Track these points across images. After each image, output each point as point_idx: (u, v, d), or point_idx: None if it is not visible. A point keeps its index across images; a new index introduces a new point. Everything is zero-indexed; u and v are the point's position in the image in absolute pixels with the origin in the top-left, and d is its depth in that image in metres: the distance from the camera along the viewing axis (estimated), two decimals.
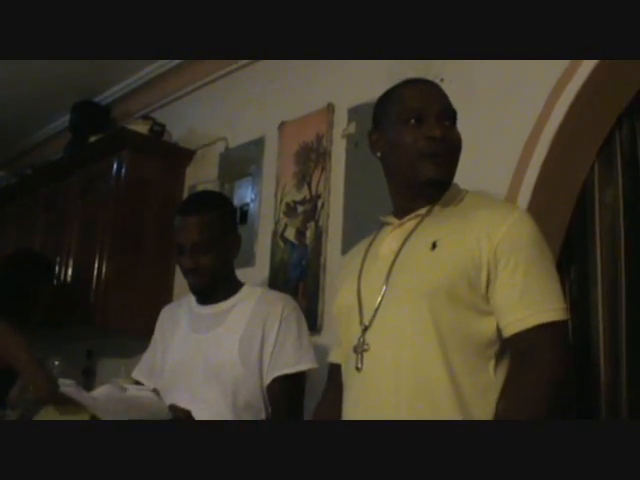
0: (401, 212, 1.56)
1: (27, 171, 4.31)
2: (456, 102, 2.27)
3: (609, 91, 2.07)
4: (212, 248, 2.04)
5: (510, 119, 2.18)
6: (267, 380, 1.99)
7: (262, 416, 2.00)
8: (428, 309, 1.39)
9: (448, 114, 1.53)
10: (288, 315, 2.05)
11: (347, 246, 2.57)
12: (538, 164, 2.08)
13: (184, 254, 2.05)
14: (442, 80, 2.37)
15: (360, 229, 2.48)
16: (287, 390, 1.99)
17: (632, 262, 2.07)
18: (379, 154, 1.58)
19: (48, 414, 1.71)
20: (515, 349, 1.38)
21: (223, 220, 2.11)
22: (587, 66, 2.01)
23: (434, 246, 1.43)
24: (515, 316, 1.37)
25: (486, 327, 1.39)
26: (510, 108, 2.19)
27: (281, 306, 2.06)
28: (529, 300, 1.37)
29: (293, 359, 2.01)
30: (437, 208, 1.51)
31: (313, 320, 2.56)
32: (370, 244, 1.61)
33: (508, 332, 1.38)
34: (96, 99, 4.01)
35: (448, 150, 1.50)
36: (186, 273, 2.07)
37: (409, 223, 1.52)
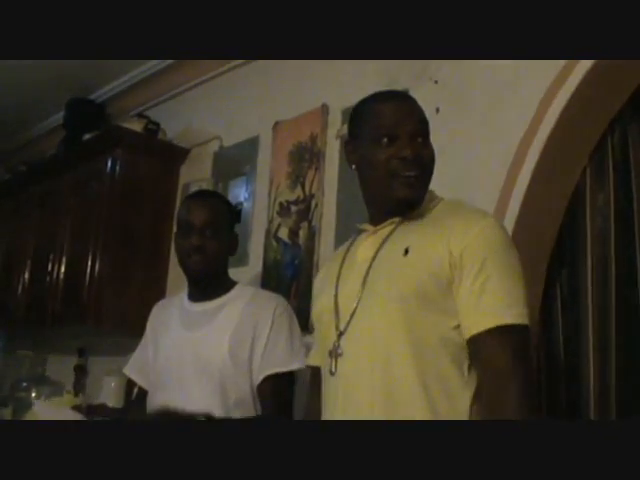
0: (376, 220, 1.58)
1: (21, 168, 4.31)
2: (449, 104, 2.31)
3: (601, 95, 2.08)
4: (220, 233, 2.09)
5: (503, 122, 2.19)
6: (258, 379, 2.00)
7: (252, 414, 2.01)
8: (400, 313, 1.40)
9: (421, 131, 1.53)
10: (280, 315, 2.07)
11: (340, 246, 2.58)
12: (530, 167, 2.09)
13: (191, 233, 2.05)
14: (436, 82, 2.39)
15: (353, 229, 2.49)
16: (277, 389, 2.00)
17: (622, 265, 2.09)
18: (354, 166, 1.59)
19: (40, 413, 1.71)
20: (471, 352, 1.39)
21: (231, 215, 2.20)
22: (579, 71, 2.02)
23: (406, 252, 1.45)
24: (471, 319, 1.38)
25: (458, 331, 1.40)
26: (503, 111, 2.19)
27: (273, 306, 2.08)
28: (485, 304, 1.38)
29: (284, 359, 2.02)
30: (412, 215, 1.53)
31: (305, 320, 2.55)
32: (347, 250, 1.63)
33: (465, 335, 1.39)
34: (91, 97, 4.00)
35: (420, 169, 1.50)
36: (189, 254, 2.05)
37: (384, 230, 1.54)
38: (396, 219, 1.53)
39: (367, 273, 1.48)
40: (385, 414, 1.38)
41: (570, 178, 2.20)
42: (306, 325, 2.54)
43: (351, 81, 2.71)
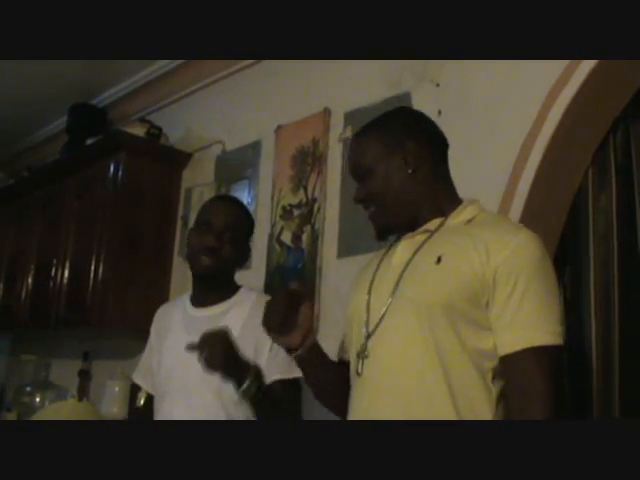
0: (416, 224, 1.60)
1: (24, 173, 4.32)
2: (451, 107, 2.32)
3: (604, 96, 2.08)
4: (236, 240, 2.09)
5: (505, 124, 2.19)
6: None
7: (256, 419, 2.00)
8: (427, 320, 1.41)
9: (357, 175, 1.62)
10: None
11: (343, 250, 2.59)
12: (533, 169, 2.09)
13: (209, 233, 2.05)
14: (438, 85, 2.39)
15: (356, 233, 2.50)
16: (284, 395, 2.00)
17: (625, 266, 2.09)
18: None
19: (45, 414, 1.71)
20: (505, 371, 1.39)
21: (250, 226, 2.21)
22: (582, 71, 2.02)
23: (439, 260, 1.45)
24: (506, 338, 1.38)
25: (485, 342, 1.40)
26: (505, 113, 2.20)
27: None
28: (521, 322, 1.37)
29: (287, 365, 2.00)
30: (447, 223, 1.54)
31: None
32: (385, 253, 1.64)
33: (499, 353, 1.39)
34: (93, 101, 4.02)
35: (370, 203, 1.59)
36: (201, 252, 2.05)
37: (419, 236, 1.55)
38: (431, 226, 1.54)
39: (400, 277, 1.49)
40: (407, 417, 1.39)
41: (573, 179, 2.20)
42: None
43: (353, 85, 2.72)
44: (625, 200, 2.12)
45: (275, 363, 2.00)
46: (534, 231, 1.47)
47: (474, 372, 1.39)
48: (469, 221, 1.52)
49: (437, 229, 1.53)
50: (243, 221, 2.16)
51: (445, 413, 1.37)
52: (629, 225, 2.10)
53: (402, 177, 1.55)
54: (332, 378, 1.64)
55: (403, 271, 1.50)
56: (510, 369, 1.38)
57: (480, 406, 1.39)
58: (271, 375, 1.99)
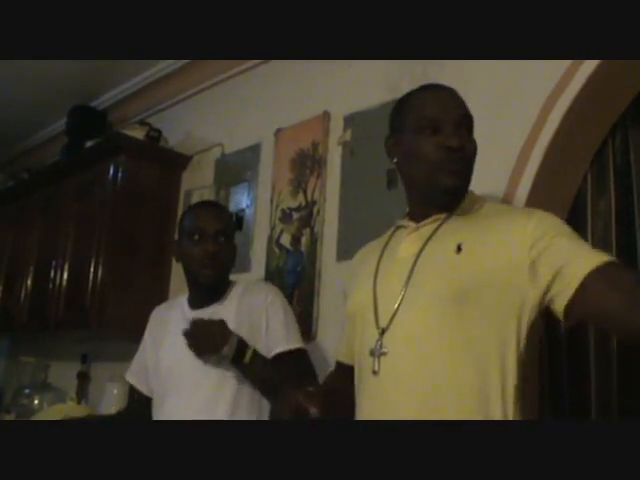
0: (418, 216, 1.55)
1: (23, 175, 4.33)
2: None
3: (604, 99, 2.09)
4: (230, 241, 2.17)
5: (504, 127, 2.19)
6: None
7: (257, 413, 2.01)
8: (455, 313, 1.37)
9: (465, 122, 1.52)
10: (272, 301, 2.12)
11: (342, 253, 2.59)
12: (532, 171, 2.09)
13: (205, 240, 2.09)
14: None
15: (355, 236, 2.50)
16: (291, 363, 2.03)
17: None
18: (395, 160, 1.58)
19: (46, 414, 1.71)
20: (587, 292, 1.32)
21: (234, 224, 2.30)
22: (582, 74, 2.02)
23: (459, 249, 1.42)
24: (576, 266, 1.33)
25: (510, 333, 1.38)
26: (505, 116, 2.20)
27: (264, 294, 2.14)
28: (584, 250, 1.37)
29: (286, 338, 2.07)
30: (456, 213, 1.52)
31: (308, 326, 2.57)
32: (385, 246, 1.60)
33: (575, 281, 1.33)
34: (93, 103, 4.02)
35: (465, 159, 1.50)
36: (204, 260, 2.08)
37: (427, 227, 1.52)
38: (441, 216, 1.51)
39: (412, 270, 1.45)
40: (431, 414, 1.35)
41: (572, 183, 2.20)
42: (309, 331, 2.56)
43: (353, 88, 2.72)
44: (624, 203, 2.12)
45: (274, 338, 2.06)
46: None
47: (501, 366, 1.36)
48: (477, 211, 1.52)
49: (447, 218, 1.51)
50: (230, 223, 2.23)
51: (473, 411, 1.34)
52: (628, 228, 2.11)
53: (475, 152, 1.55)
54: (345, 400, 1.56)
55: (415, 262, 1.45)
56: (595, 283, 1.31)
57: (508, 400, 1.36)
58: (271, 349, 2.02)
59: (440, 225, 1.50)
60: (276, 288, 2.24)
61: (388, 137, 1.61)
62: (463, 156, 1.49)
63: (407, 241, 1.53)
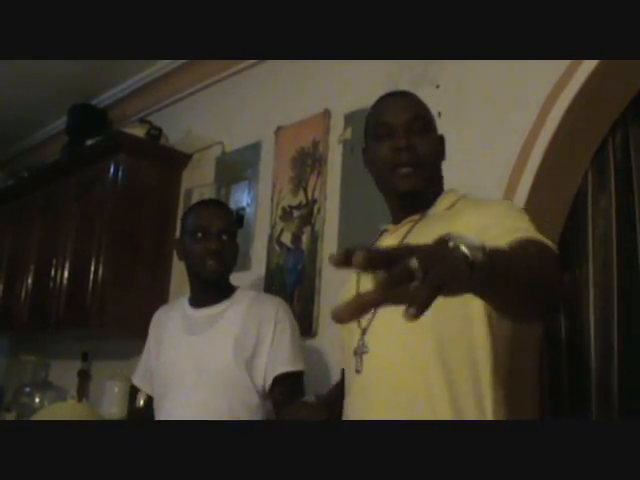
0: (396, 219, 1.59)
1: (23, 173, 4.32)
2: (451, 108, 2.32)
3: (604, 98, 2.09)
4: (233, 239, 2.17)
5: (505, 126, 2.19)
6: (268, 380, 2.02)
7: (259, 415, 2.02)
8: (430, 311, 1.38)
9: (417, 123, 1.54)
10: (282, 317, 2.10)
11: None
12: (533, 171, 2.09)
13: (209, 238, 2.09)
14: (438, 87, 2.40)
15: (356, 234, 2.50)
16: (289, 389, 2.02)
17: (624, 267, 2.09)
18: (367, 170, 1.63)
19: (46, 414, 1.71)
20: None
21: (236, 225, 2.31)
22: (581, 73, 2.02)
23: None
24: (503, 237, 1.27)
25: (482, 330, 1.39)
26: (505, 115, 2.20)
27: (274, 308, 2.11)
28: (509, 223, 1.34)
29: (290, 359, 2.05)
30: (430, 212, 1.53)
31: (309, 324, 2.57)
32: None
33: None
34: (93, 102, 4.02)
35: (415, 158, 1.51)
36: (206, 258, 2.08)
37: (403, 228, 1.55)
38: (415, 217, 1.53)
39: None
40: (410, 417, 1.36)
41: (572, 181, 2.20)
42: (309, 329, 2.56)
43: (353, 86, 2.72)
44: (624, 201, 2.12)
45: (278, 357, 2.03)
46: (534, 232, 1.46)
47: (475, 365, 1.38)
48: (448, 208, 1.53)
49: (420, 219, 1.53)
50: (233, 221, 2.24)
51: (446, 410, 1.35)
52: (629, 226, 2.11)
53: (439, 153, 1.58)
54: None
55: None
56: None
57: (481, 400, 1.37)
58: (275, 368, 2.01)
59: (413, 226, 1.53)
60: (286, 304, 2.21)
61: (362, 150, 1.66)
62: (414, 155, 1.51)
63: (386, 243, 1.55)
